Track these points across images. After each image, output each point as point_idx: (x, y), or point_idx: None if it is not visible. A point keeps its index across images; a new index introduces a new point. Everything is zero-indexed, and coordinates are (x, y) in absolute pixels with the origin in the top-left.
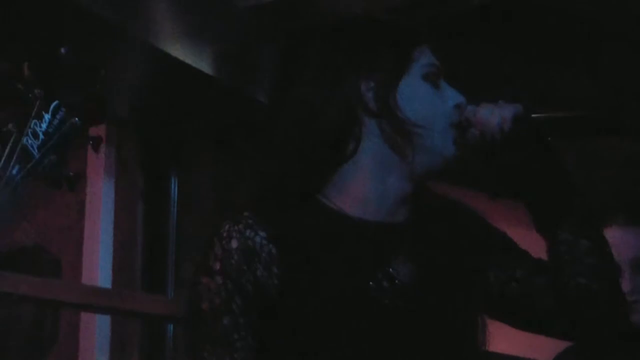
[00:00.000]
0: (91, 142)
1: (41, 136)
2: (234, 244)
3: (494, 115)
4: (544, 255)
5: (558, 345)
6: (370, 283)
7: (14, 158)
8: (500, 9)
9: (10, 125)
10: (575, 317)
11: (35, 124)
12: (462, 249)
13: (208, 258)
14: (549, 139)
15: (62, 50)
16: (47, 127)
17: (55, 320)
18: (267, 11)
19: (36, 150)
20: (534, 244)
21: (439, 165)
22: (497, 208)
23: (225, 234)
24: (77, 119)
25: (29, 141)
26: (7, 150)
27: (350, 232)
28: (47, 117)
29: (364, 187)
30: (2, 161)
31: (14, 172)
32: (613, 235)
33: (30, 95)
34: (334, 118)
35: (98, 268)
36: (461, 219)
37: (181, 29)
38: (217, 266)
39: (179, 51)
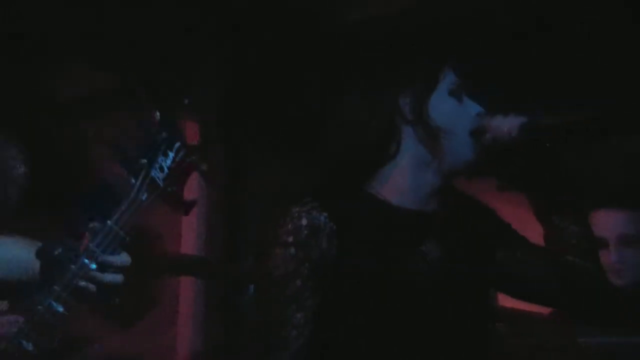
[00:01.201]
0: (203, 173)
1: (166, 170)
2: (304, 221)
3: (504, 124)
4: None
5: None
6: (407, 259)
7: (144, 187)
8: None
9: (142, 161)
10: (567, 288)
11: (162, 160)
12: (477, 234)
13: (282, 233)
14: (548, 143)
15: (186, 100)
16: (171, 163)
17: (159, 285)
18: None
19: (162, 182)
20: (533, 227)
21: (460, 167)
22: (504, 198)
23: (296, 214)
24: (194, 157)
25: (157, 174)
26: (139, 181)
27: (392, 217)
28: (171, 155)
29: (403, 180)
30: (136, 189)
31: (143, 198)
32: (601, 216)
33: (158, 137)
34: (378, 126)
35: (195, 242)
36: (477, 210)
37: None
38: (290, 239)
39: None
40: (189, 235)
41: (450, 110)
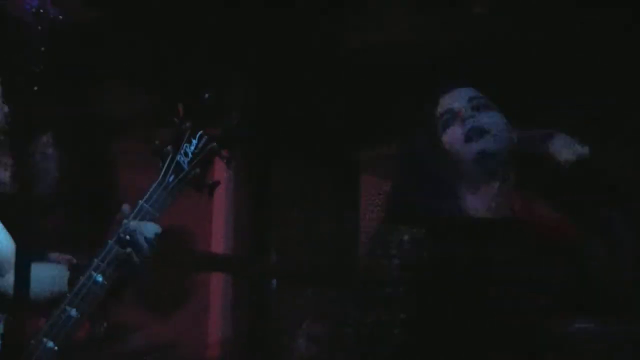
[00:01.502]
0: (225, 160)
1: (190, 155)
2: (406, 237)
3: (568, 150)
4: None
5: None
6: (483, 260)
7: (171, 170)
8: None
9: (168, 147)
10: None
11: (186, 146)
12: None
13: (387, 247)
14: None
15: (206, 95)
16: (195, 149)
17: (192, 280)
18: None
19: (187, 165)
20: None
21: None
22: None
23: (398, 234)
24: (215, 143)
25: (182, 158)
26: (166, 164)
27: (471, 226)
28: (194, 142)
29: (470, 198)
30: (163, 172)
31: (170, 180)
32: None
33: (183, 126)
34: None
35: (223, 240)
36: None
37: None
38: (395, 252)
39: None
40: (218, 235)
41: (458, 138)
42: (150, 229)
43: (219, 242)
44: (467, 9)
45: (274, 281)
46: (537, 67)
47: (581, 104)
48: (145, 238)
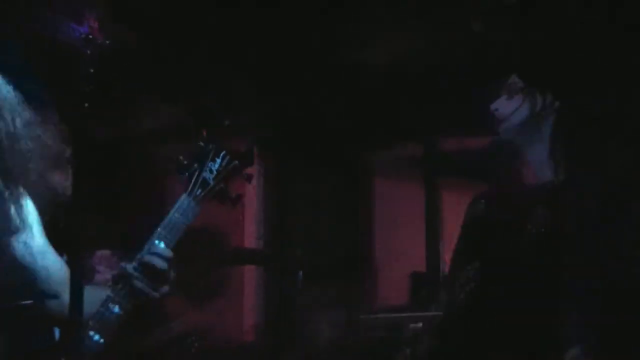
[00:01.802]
0: (246, 177)
1: (215, 172)
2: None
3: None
4: None
5: None
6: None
7: (197, 185)
8: None
9: (195, 166)
10: None
11: (211, 165)
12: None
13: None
14: None
15: (227, 122)
16: (219, 167)
17: (228, 272)
18: None
19: (212, 181)
20: None
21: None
22: None
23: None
24: (237, 162)
25: (207, 175)
26: (193, 180)
27: (526, 190)
28: (218, 161)
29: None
30: (191, 187)
31: (197, 193)
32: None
33: (207, 148)
34: None
35: (254, 238)
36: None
37: None
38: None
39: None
40: (250, 233)
41: None
42: (164, 253)
43: (250, 238)
44: (468, 12)
45: (300, 273)
46: (536, 67)
47: (581, 104)
48: (157, 268)
